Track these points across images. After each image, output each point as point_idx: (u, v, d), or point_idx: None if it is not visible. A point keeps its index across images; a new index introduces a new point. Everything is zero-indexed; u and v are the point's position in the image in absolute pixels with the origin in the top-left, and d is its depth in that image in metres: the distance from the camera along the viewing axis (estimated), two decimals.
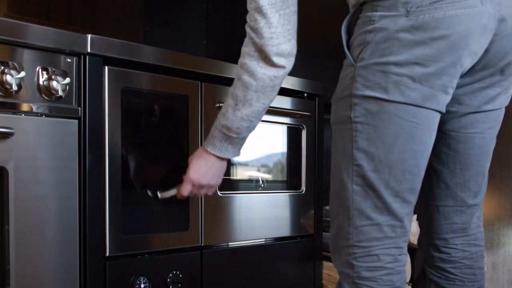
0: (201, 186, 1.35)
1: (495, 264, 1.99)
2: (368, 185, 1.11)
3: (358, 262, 1.13)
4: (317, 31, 2.45)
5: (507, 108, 1.30)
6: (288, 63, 1.19)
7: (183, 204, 1.50)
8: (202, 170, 1.32)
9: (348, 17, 1.17)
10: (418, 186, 1.15)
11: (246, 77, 1.19)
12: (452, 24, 1.05)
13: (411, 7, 1.05)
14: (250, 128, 1.27)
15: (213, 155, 1.30)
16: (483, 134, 1.24)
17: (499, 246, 1.98)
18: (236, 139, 1.28)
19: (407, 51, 1.06)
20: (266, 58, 1.17)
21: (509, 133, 1.78)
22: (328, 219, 2.14)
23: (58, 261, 1.27)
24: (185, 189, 1.35)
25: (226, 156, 1.30)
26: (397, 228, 1.13)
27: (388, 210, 1.12)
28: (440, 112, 1.12)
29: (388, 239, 1.13)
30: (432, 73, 1.07)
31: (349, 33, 1.17)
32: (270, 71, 1.18)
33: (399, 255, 1.15)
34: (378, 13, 1.08)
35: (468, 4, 1.05)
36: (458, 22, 1.05)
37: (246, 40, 1.19)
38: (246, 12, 1.18)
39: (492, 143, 1.28)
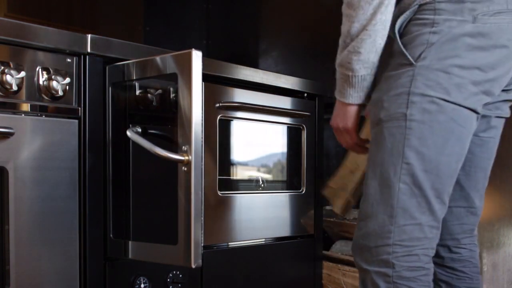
0: (337, 130, 1.31)
1: (495, 264, 1.99)
2: (416, 184, 1.12)
3: (400, 262, 1.13)
4: (316, 31, 2.44)
5: None
6: None
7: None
8: (334, 114, 1.30)
9: (403, 16, 1.16)
10: (451, 190, 1.17)
11: (346, 9, 1.15)
12: None
13: (477, 14, 1.09)
14: (363, 62, 1.18)
15: (338, 100, 1.26)
16: (495, 139, 1.30)
17: (499, 246, 1.98)
18: (353, 79, 1.19)
19: (470, 55, 1.09)
20: None
21: (509, 133, 1.77)
22: (329, 219, 2.15)
23: (58, 261, 1.27)
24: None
25: (350, 100, 1.23)
26: (434, 229, 1.15)
27: (430, 210, 1.13)
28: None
29: (427, 240, 1.14)
30: (489, 80, 1.10)
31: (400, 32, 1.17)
32: None
33: (432, 256, 1.17)
34: (442, 17, 1.10)
35: None
36: None
37: None
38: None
39: (496, 148, 1.33)
